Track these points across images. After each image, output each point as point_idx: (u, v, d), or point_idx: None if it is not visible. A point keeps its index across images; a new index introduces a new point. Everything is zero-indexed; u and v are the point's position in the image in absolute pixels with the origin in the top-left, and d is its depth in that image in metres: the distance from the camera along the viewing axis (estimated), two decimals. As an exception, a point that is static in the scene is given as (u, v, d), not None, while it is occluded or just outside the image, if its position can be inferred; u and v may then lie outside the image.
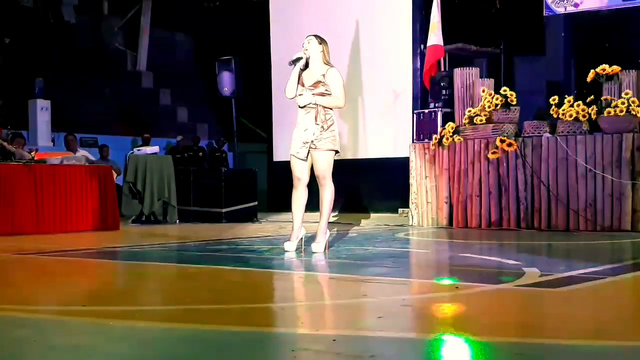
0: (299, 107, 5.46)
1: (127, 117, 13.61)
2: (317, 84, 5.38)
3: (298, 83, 5.45)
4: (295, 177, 5.47)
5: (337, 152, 5.45)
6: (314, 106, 5.38)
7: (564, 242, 6.60)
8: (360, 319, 3.00)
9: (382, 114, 11.06)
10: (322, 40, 5.51)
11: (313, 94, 5.36)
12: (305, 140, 5.38)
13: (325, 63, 5.47)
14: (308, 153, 5.39)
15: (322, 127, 5.35)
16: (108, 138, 12.24)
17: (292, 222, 5.59)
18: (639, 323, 2.89)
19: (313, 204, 5.60)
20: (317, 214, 5.54)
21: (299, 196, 5.49)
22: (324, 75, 5.39)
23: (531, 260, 4.99)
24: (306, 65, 5.50)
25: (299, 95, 5.41)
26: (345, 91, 5.46)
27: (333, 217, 5.95)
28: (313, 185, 5.53)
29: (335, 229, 5.74)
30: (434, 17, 9.18)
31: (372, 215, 10.40)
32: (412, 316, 3.00)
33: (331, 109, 5.43)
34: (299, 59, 5.47)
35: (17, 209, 7.53)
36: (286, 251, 5.44)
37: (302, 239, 5.56)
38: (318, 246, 5.43)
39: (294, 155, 5.45)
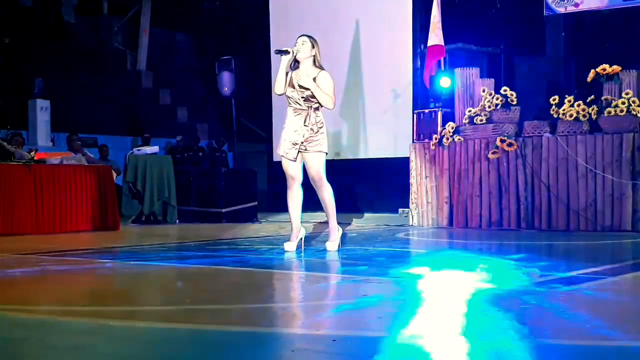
0: (289, 106, 5.47)
1: (127, 117, 13.59)
2: (308, 86, 5.38)
3: (287, 83, 5.45)
4: (289, 176, 5.49)
5: (327, 153, 5.48)
6: (304, 108, 5.39)
7: (564, 242, 6.60)
8: (360, 319, 2.99)
9: (382, 114, 11.06)
10: (315, 43, 5.49)
11: (304, 96, 5.36)
12: (294, 141, 5.39)
13: (317, 66, 5.46)
14: (297, 154, 5.41)
15: (312, 129, 5.36)
16: (108, 138, 12.23)
17: (291, 221, 5.59)
18: (639, 323, 2.89)
19: (311, 204, 5.60)
20: (315, 214, 5.55)
21: (295, 195, 5.51)
22: (314, 78, 5.39)
23: (531, 260, 4.99)
24: (296, 66, 5.50)
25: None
26: (334, 93, 5.46)
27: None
28: (309, 186, 5.54)
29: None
30: (434, 17, 9.17)
31: (372, 215, 10.40)
32: (412, 316, 3.00)
33: (318, 108, 5.43)
34: (286, 51, 5.47)
35: (17, 209, 7.52)
36: (286, 251, 5.45)
37: (302, 239, 5.57)
38: (332, 244, 5.49)
39: (283, 156, 5.47)
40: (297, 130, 5.39)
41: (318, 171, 5.40)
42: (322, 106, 5.42)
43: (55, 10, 14.66)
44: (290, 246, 5.51)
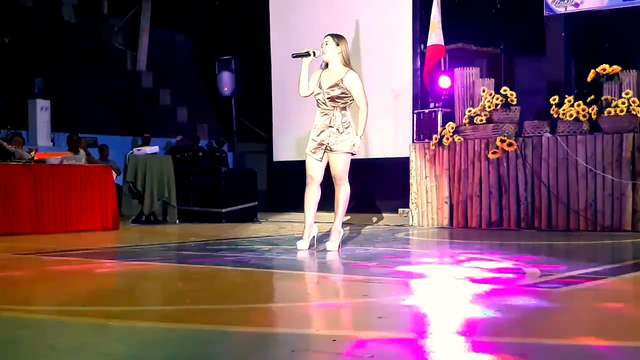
0: (317, 106, 5.50)
1: (127, 117, 13.59)
2: (334, 86, 5.41)
3: (317, 84, 5.47)
4: (309, 175, 5.52)
5: (353, 153, 5.50)
6: (330, 109, 5.41)
7: (564, 242, 6.60)
8: (360, 319, 2.99)
9: (382, 114, 11.04)
10: (340, 40, 5.49)
11: (329, 97, 5.39)
12: (320, 141, 5.43)
13: (344, 64, 5.47)
14: (324, 154, 5.42)
15: (338, 129, 5.39)
16: (108, 138, 12.22)
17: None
18: (639, 323, 2.89)
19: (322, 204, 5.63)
20: (317, 213, 5.56)
21: (311, 194, 5.53)
22: (342, 78, 5.40)
23: (531, 260, 4.99)
24: (326, 66, 5.53)
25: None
26: (364, 92, 5.45)
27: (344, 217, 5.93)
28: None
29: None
30: (434, 17, 9.17)
31: (372, 215, 10.40)
32: (412, 316, 3.00)
33: (345, 108, 5.45)
34: (306, 54, 5.47)
35: (17, 209, 7.52)
36: (299, 250, 5.48)
37: (314, 237, 5.59)
38: (332, 244, 5.51)
39: (309, 155, 5.48)
40: (323, 131, 5.43)
41: (340, 170, 5.44)
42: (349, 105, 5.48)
43: (55, 10, 14.65)
44: (302, 244, 5.54)
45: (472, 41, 10.13)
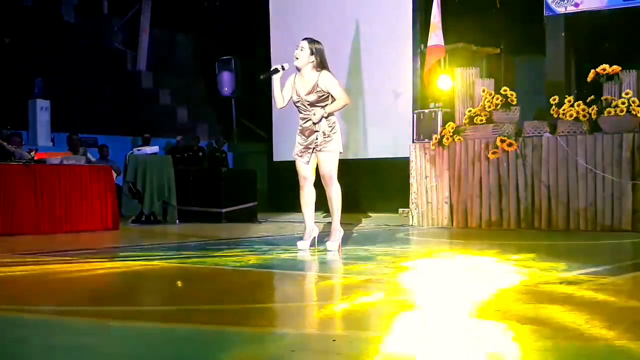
0: (299, 112, 5.50)
1: (127, 117, 13.59)
2: (311, 92, 5.41)
3: (293, 90, 5.48)
4: (301, 176, 5.55)
5: (340, 152, 5.51)
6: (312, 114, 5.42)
7: (564, 242, 6.60)
8: (361, 319, 2.99)
9: (382, 114, 11.06)
10: (315, 47, 5.44)
11: (319, 107, 5.38)
12: (307, 144, 5.44)
13: (316, 69, 5.45)
14: (311, 156, 5.44)
15: (324, 132, 5.40)
16: (108, 138, 12.23)
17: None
18: (639, 323, 2.89)
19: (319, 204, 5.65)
20: (317, 213, 5.57)
21: (307, 194, 5.55)
22: (317, 82, 5.40)
23: (531, 260, 4.99)
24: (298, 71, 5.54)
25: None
26: (343, 88, 5.48)
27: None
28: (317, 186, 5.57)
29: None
30: (434, 17, 9.17)
31: (372, 215, 10.40)
32: (412, 316, 3.00)
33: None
34: (275, 70, 5.51)
35: (17, 209, 7.52)
36: (299, 250, 5.48)
37: (315, 237, 5.60)
38: (332, 244, 5.51)
39: (296, 158, 5.52)
40: (309, 135, 5.43)
41: (329, 170, 5.44)
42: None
43: (55, 10, 14.65)
44: (303, 245, 5.56)
45: (472, 41, 10.14)
